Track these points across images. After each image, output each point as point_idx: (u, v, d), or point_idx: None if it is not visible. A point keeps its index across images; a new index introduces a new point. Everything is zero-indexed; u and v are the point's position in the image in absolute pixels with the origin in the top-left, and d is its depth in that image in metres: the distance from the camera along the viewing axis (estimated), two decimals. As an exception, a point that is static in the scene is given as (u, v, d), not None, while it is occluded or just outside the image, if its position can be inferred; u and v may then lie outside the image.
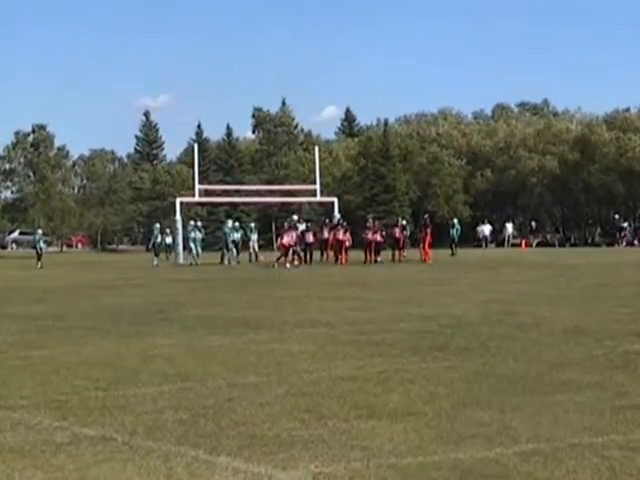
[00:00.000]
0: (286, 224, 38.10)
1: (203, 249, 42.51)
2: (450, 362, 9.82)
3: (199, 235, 41.87)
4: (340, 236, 37.96)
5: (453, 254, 43.81)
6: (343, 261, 36.99)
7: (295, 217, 42.09)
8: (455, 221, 48.89)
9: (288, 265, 34.65)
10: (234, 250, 40.56)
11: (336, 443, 6.38)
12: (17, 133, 68.22)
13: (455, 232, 46.98)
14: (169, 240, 44.49)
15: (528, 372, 9.11)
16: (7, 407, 7.84)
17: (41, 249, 42.56)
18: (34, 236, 45.53)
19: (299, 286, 23.42)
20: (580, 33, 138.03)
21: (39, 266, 40.15)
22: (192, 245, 40.95)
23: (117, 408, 7.69)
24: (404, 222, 42.52)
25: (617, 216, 62.71)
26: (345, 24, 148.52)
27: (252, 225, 46.32)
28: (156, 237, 43.39)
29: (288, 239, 35.66)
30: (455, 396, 7.93)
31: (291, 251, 35.92)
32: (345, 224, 39.58)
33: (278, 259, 35.54)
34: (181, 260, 42.55)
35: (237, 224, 43.61)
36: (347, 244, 38.13)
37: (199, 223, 44.28)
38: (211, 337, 12.51)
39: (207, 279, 28.16)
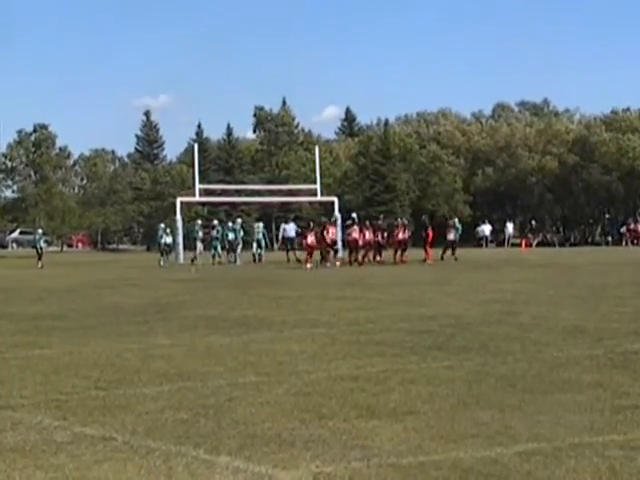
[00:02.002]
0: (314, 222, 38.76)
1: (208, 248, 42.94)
2: (450, 362, 9.82)
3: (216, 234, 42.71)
4: (355, 235, 37.69)
5: (454, 254, 43.73)
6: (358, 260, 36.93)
7: (354, 215, 42.41)
8: (455, 220, 48.88)
9: (329, 264, 35.50)
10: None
11: (336, 443, 6.38)
12: (19, 132, 68.19)
13: (456, 231, 46.99)
14: (169, 240, 44.52)
15: (528, 372, 9.10)
16: (8, 407, 7.84)
17: (41, 248, 42.62)
18: (34, 236, 45.62)
19: (299, 286, 23.42)
20: (580, 33, 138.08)
21: (40, 265, 40.17)
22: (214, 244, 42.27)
23: (117, 408, 7.69)
24: (406, 222, 42.58)
25: (607, 216, 62.86)
26: (345, 23, 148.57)
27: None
28: (161, 237, 43.33)
29: (331, 236, 36.60)
30: (455, 396, 7.93)
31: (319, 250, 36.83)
32: (367, 223, 39.76)
33: (322, 259, 36.36)
34: (181, 260, 42.60)
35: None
36: (360, 243, 37.81)
37: (215, 222, 44.89)
38: (211, 337, 12.51)
39: (207, 279, 28.16)
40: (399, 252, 37.73)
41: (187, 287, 24.06)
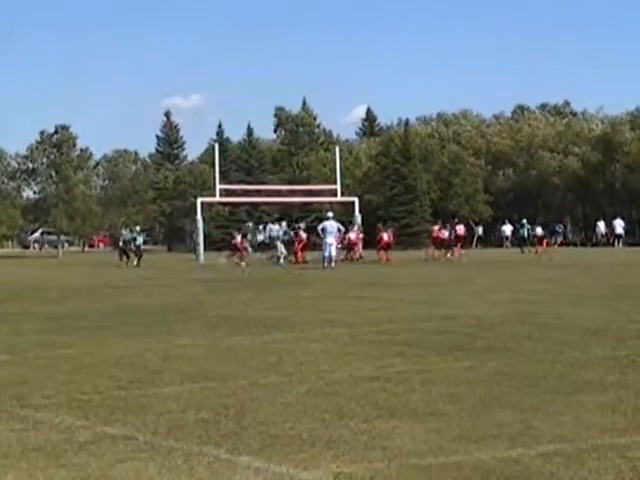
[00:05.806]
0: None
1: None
2: (471, 362, 9.79)
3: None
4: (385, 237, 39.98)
5: (523, 252, 46.73)
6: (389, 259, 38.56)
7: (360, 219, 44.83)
8: (524, 221, 51.01)
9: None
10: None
11: (357, 443, 6.38)
12: (41, 133, 68.29)
13: (525, 231, 50.23)
14: (140, 240, 44.07)
15: (550, 372, 9.06)
16: (30, 406, 7.88)
17: (139, 246, 42.15)
18: (132, 234, 44.44)
19: (320, 286, 23.42)
20: (601, 33, 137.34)
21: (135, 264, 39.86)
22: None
23: (139, 407, 7.71)
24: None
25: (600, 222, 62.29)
26: (365, 25, 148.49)
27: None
28: (134, 238, 42.95)
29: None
30: (476, 396, 7.90)
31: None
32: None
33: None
34: (202, 260, 42.75)
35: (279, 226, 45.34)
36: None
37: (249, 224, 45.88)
38: (232, 337, 12.53)
39: (228, 279, 28.21)
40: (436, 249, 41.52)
41: (208, 287, 24.11)
